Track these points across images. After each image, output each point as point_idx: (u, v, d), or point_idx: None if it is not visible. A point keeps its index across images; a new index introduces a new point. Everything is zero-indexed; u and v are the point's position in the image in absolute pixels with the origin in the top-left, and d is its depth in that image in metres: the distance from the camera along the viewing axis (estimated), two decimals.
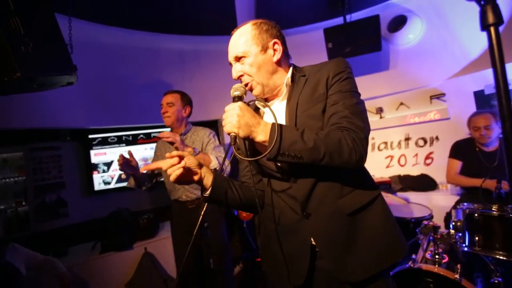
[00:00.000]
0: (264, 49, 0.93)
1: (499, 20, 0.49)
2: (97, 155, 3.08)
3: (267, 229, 1.05)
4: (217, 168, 1.78)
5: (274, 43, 0.94)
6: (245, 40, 0.93)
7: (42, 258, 1.99)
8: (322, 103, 0.89)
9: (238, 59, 0.95)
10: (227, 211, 2.46)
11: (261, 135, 0.80)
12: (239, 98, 0.88)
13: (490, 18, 0.50)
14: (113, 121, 3.11)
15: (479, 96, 2.88)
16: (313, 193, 0.91)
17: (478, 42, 2.69)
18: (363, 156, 0.81)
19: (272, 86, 0.96)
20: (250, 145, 0.98)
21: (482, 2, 0.52)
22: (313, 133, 0.80)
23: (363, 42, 2.82)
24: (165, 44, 3.15)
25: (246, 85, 0.94)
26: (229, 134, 0.82)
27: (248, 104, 0.89)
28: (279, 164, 0.94)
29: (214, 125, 3.74)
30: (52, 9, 1.33)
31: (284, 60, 0.98)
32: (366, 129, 0.84)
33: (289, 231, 0.97)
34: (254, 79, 0.94)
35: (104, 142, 3.14)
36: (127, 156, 1.80)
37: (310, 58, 3.26)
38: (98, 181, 3.06)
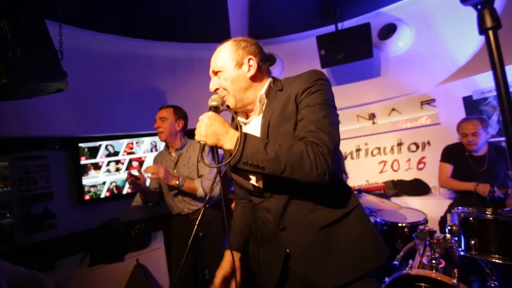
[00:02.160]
0: (239, 64, 0.97)
1: (497, 23, 0.49)
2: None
3: (254, 236, 1.13)
4: (202, 195, 1.85)
5: (249, 59, 0.98)
6: (223, 56, 0.98)
7: (26, 272, 1.88)
8: (293, 121, 0.91)
9: (215, 73, 1.00)
10: (228, 218, 2.40)
11: (228, 144, 0.84)
12: (214, 109, 0.92)
13: (488, 22, 0.50)
14: (104, 129, 3.05)
15: (468, 101, 2.95)
16: (287, 209, 0.95)
17: (466, 49, 2.77)
18: (325, 171, 0.80)
19: (245, 100, 1.00)
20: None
21: (479, 7, 0.53)
22: (276, 144, 0.82)
23: (355, 49, 2.87)
24: (158, 51, 3.13)
25: (220, 95, 0.98)
26: (199, 142, 0.86)
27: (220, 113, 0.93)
28: (253, 182, 1.00)
29: None
30: (41, 14, 1.30)
31: (260, 76, 1.01)
32: (331, 142, 0.83)
33: (269, 240, 1.05)
34: (229, 93, 0.98)
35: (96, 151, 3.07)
36: (135, 173, 1.83)
37: (304, 65, 3.32)
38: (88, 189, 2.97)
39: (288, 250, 0.99)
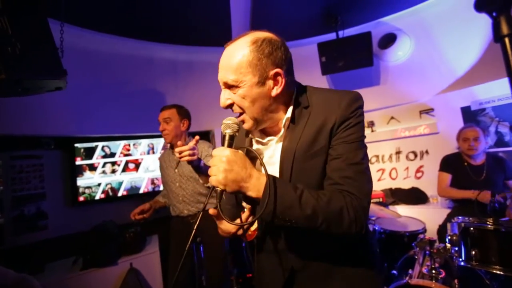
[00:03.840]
0: (262, 80, 0.76)
1: None
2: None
3: (259, 246, 1.04)
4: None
5: (276, 73, 0.77)
6: (239, 66, 0.75)
7: (15, 276, 1.82)
8: (323, 157, 0.78)
9: (228, 86, 0.79)
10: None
11: (252, 192, 0.72)
12: (230, 138, 0.78)
13: (504, 29, 0.50)
14: (101, 129, 3.01)
15: (466, 112, 2.98)
16: (288, 231, 0.88)
17: (464, 60, 2.81)
18: (363, 226, 0.73)
19: (266, 123, 0.84)
20: None
21: (494, 14, 0.52)
22: (312, 197, 0.71)
23: (356, 57, 2.89)
24: (159, 53, 3.12)
25: (238, 114, 0.82)
26: (215, 187, 0.73)
27: (239, 148, 0.80)
28: None
29: (207, 136, 3.69)
30: (44, 11, 1.28)
31: (286, 93, 0.81)
32: (369, 193, 0.76)
33: (275, 251, 0.94)
34: (246, 112, 0.80)
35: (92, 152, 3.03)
36: (141, 214, 1.84)
37: (304, 71, 3.32)
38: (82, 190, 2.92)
39: (293, 266, 0.90)
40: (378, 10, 2.85)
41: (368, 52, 2.87)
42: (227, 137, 0.78)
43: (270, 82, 0.77)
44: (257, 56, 0.75)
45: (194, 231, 1.13)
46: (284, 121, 0.83)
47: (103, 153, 3.12)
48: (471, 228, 1.61)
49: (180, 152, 1.36)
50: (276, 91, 0.78)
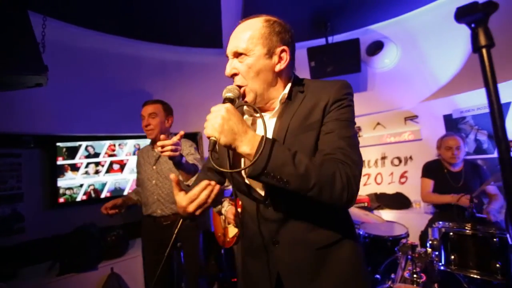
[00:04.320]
0: (270, 54, 0.82)
1: (491, 42, 0.50)
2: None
3: (242, 247, 1.03)
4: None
5: (282, 50, 0.83)
6: (251, 36, 0.81)
7: None
8: (315, 131, 0.81)
9: (237, 55, 0.83)
10: (204, 227, 2.32)
11: (246, 146, 0.71)
12: (230, 101, 0.79)
13: (482, 40, 0.51)
14: (85, 129, 2.92)
15: (448, 120, 3.08)
16: (286, 222, 0.85)
17: (447, 70, 2.91)
18: (354, 196, 0.73)
19: (266, 97, 0.86)
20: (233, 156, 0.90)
21: (472, 25, 0.53)
22: (306, 157, 0.71)
23: (344, 63, 2.93)
24: (147, 52, 3.06)
25: (239, 87, 0.84)
26: (208, 138, 0.72)
27: (237, 108, 0.80)
28: (254, 186, 0.87)
29: (194, 138, 3.64)
30: (25, 3, 1.23)
31: (287, 72, 0.88)
32: (360, 164, 0.78)
33: (258, 255, 0.93)
34: (248, 85, 0.83)
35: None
36: (113, 208, 1.76)
37: None
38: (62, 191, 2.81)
39: (277, 269, 0.88)
40: (367, 18, 2.92)
41: (356, 58, 2.92)
42: (227, 101, 0.78)
43: (275, 58, 0.83)
44: (268, 31, 0.82)
45: (175, 234, 1.09)
46: (280, 97, 0.86)
47: (86, 153, 3.02)
48: (451, 233, 1.65)
49: (163, 147, 1.30)
50: (280, 66, 0.84)
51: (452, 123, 3.03)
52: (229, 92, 0.80)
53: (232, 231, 1.89)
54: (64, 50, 2.53)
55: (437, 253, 1.71)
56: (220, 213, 1.88)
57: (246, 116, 0.93)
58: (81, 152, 2.99)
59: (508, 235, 1.56)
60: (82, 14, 2.35)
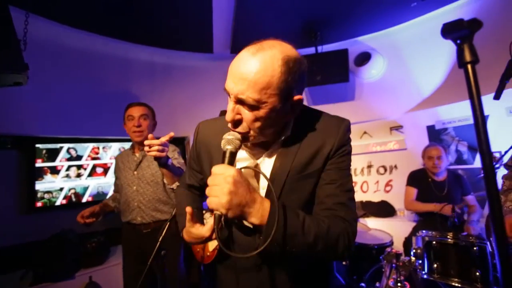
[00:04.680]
0: (284, 105, 0.70)
1: (475, 58, 0.52)
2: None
3: (224, 259, 0.98)
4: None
5: (298, 100, 0.72)
6: (267, 86, 0.65)
7: None
8: (315, 179, 0.78)
9: (241, 102, 0.69)
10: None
11: (255, 218, 0.65)
12: (231, 156, 0.70)
13: (467, 57, 0.52)
14: (67, 130, 2.81)
15: (431, 130, 3.18)
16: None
17: (430, 82, 3.02)
18: (351, 250, 0.74)
19: (266, 138, 0.78)
20: None
21: (458, 42, 0.55)
22: (313, 224, 0.69)
23: (333, 72, 2.99)
24: (136, 54, 3.02)
25: (238, 131, 0.73)
26: (212, 212, 0.65)
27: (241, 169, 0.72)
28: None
29: (182, 143, 3.59)
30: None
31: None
32: (357, 219, 0.79)
33: (242, 273, 0.90)
34: (251, 133, 0.73)
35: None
36: (91, 217, 1.68)
37: None
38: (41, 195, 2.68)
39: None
40: (355, 29, 3.00)
41: (344, 68, 2.99)
42: (227, 154, 0.70)
43: (288, 106, 0.72)
44: (287, 79, 0.67)
45: (159, 242, 1.06)
46: (283, 138, 0.78)
47: (68, 156, 2.91)
48: (434, 242, 1.69)
49: (150, 146, 1.24)
50: (291, 115, 0.75)
51: (435, 134, 3.14)
52: (229, 144, 0.71)
53: (213, 244, 1.79)
54: (48, 49, 2.45)
55: (420, 261, 1.74)
56: None
57: (244, 153, 0.84)
58: (62, 154, 2.88)
59: (487, 244, 1.61)
60: (68, 12, 2.28)
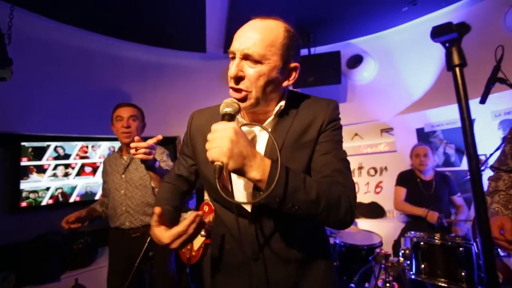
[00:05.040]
0: (283, 67, 0.76)
1: (463, 61, 0.52)
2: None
3: (214, 259, 0.95)
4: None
5: (295, 67, 0.79)
6: (272, 43, 0.72)
7: None
8: (309, 150, 0.80)
9: (246, 57, 0.73)
10: None
11: (256, 172, 0.65)
12: (230, 117, 0.71)
13: (456, 60, 0.53)
14: (55, 128, 2.74)
15: (420, 133, 3.24)
16: (269, 239, 0.83)
17: (420, 86, 3.08)
18: (354, 217, 0.75)
19: (265, 107, 0.81)
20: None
21: (447, 45, 0.56)
22: (315, 181, 0.70)
23: (325, 74, 3.02)
24: (127, 52, 2.97)
25: (239, 91, 0.75)
26: (212, 162, 0.63)
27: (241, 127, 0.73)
28: (240, 200, 0.82)
29: (173, 142, 3.55)
30: None
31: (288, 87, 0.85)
32: (355, 187, 0.79)
33: (234, 272, 0.89)
34: (253, 92, 0.75)
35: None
36: (76, 222, 1.62)
37: None
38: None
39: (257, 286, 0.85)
40: (348, 32, 3.03)
41: (336, 70, 3.02)
42: (226, 117, 0.71)
43: (286, 73, 0.78)
44: (288, 43, 0.75)
45: (146, 244, 1.04)
46: (277, 109, 0.81)
47: (55, 154, 2.84)
48: (422, 243, 1.71)
49: (136, 149, 1.21)
50: (287, 83, 0.80)
51: (424, 136, 3.19)
52: (228, 107, 0.72)
53: (198, 242, 1.78)
54: (36, 44, 2.39)
55: (408, 262, 1.76)
56: None
57: (243, 128, 0.85)
58: (49, 153, 2.80)
59: (473, 245, 1.65)
60: (57, 6, 2.23)
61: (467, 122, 0.51)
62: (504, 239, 1.09)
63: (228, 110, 0.71)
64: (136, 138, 1.24)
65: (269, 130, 0.80)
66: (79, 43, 2.64)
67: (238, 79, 0.75)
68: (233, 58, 0.76)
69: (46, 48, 2.46)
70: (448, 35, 0.53)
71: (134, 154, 1.23)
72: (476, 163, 0.50)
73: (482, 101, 1.51)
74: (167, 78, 3.28)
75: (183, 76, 3.35)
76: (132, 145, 1.23)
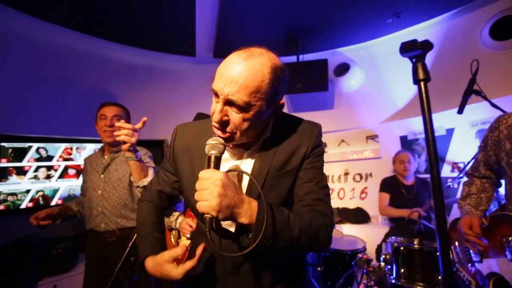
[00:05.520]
0: (268, 109, 0.76)
1: (427, 76, 0.56)
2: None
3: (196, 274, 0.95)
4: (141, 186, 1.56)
5: (281, 104, 0.79)
6: (257, 90, 0.70)
7: None
8: (293, 176, 0.84)
9: (230, 103, 0.71)
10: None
11: (245, 218, 0.68)
12: (216, 160, 0.72)
13: (421, 74, 0.57)
14: (37, 129, 2.67)
15: (404, 140, 3.34)
16: (251, 255, 0.83)
17: (404, 95, 3.18)
18: (330, 243, 0.80)
19: (247, 140, 0.82)
20: None
21: (413, 60, 0.59)
22: (297, 219, 0.73)
23: (313, 81, 3.07)
24: (115, 53, 2.94)
25: (224, 132, 0.75)
26: (202, 213, 0.66)
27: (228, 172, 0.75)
28: (225, 226, 0.84)
29: (160, 145, 3.51)
30: None
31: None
32: (333, 212, 0.84)
33: (212, 279, 0.90)
34: (237, 134, 0.75)
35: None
36: (45, 219, 1.56)
37: None
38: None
39: None
40: (335, 41, 3.11)
41: (324, 78, 3.08)
42: (212, 159, 0.72)
43: (271, 112, 0.78)
44: (274, 85, 0.73)
45: (128, 248, 1.03)
46: (263, 139, 0.84)
47: (37, 156, 2.75)
48: (401, 248, 1.76)
49: (119, 135, 1.21)
50: (272, 119, 0.81)
51: (407, 144, 3.29)
52: (213, 149, 0.73)
53: (184, 245, 1.77)
54: (20, 43, 2.34)
55: (389, 266, 1.80)
56: (171, 228, 1.77)
57: (225, 154, 0.85)
58: (31, 154, 2.72)
59: (450, 250, 1.70)
60: (43, 6, 2.20)
61: (430, 133, 0.54)
62: (473, 233, 1.17)
63: (214, 152, 0.72)
64: (122, 121, 1.23)
65: (256, 155, 0.83)
66: (64, 43, 2.60)
67: (223, 123, 0.74)
68: (216, 95, 0.74)
69: (29, 47, 2.41)
70: (414, 52, 0.57)
71: (117, 135, 1.22)
72: (437, 171, 0.53)
73: (460, 111, 1.59)
74: (155, 81, 3.26)
75: (172, 80, 3.34)
76: (117, 124, 1.22)
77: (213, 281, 0.89)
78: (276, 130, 0.85)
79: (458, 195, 2.72)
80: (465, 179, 1.50)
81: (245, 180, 0.83)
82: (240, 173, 0.80)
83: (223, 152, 0.74)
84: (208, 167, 0.72)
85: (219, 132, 0.76)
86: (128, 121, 1.81)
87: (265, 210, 0.67)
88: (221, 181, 0.66)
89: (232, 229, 0.84)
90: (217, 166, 0.73)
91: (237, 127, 0.74)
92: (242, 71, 0.68)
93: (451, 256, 1.41)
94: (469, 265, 1.31)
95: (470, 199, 1.33)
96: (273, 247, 0.70)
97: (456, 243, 1.42)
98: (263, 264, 0.86)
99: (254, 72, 0.69)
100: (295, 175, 0.84)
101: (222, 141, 0.75)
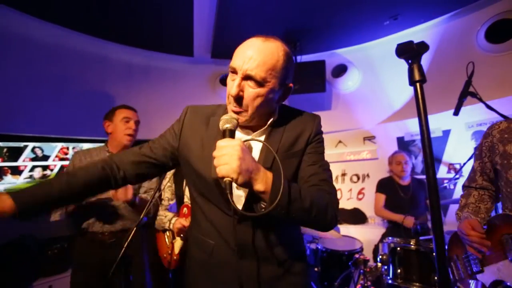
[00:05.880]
0: (280, 89, 0.83)
1: (423, 78, 0.56)
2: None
3: (196, 259, 0.96)
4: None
5: (290, 87, 0.86)
6: (274, 66, 0.77)
7: None
8: (298, 159, 0.88)
9: (247, 77, 0.77)
10: (151, 246, 2.00)
11: (261, 184, 0.71)
12: (231, 133, 0.76)
13: (416, 76, 0.57)
14: (34, 128, 2.65)
15: (400, 141, 3.35)
16: (257, 237, 0.87)
17: (401, 96, 3.20)
18: (336, 222, 0.84)
19: (257, 122, 0.87)
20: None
21: (409, 61, 0.60)
22: (307, 193, 0.77)
23: (311, 82, 3.08)
24: (113, 53, 2.93)
25: (238, 105, 0.80)
26: (222, 178, 0.69)
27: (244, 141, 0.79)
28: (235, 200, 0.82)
29: None
30: None
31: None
32: (337, 194, 0.89)
33: (217, 269, 0.91)
34: (249, 111, 0.81)
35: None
36: None
37: None
38: None
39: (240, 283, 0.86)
40: (333, 42, 3.12)
41: (321, 79, 3.09)
42: (227, 133, 0.76)
43: (281, 92, 0.85)
44: (286, 67, 0.80)
45: (124, 248, 1.02)
46: (270, 121, 0.88)
47: (33, 155, 2.74)
48: (398, 248, 1.77)
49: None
50: (282, 100, 0.88)
51: (404, 145, 3.31)
52: (228, 123, 0.77)
53: (178, 246, 1.75)
54: (17, 42, 2.32)
55: (386, 267, 1.81)
56: (164, 229, 1.76)
57: (237, 134, 0.87)
58: (26, 153, 2.70)
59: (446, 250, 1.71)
60: (41, 4, 2.19)
61: (425, 134, 0.55)
62: (476, 234, 1.15)
63: (229, 126, 0.76)
64: (120, 190, 1.40)
65: (263, 137, 0.89)
66: (61, 42, 2.59)
67: (238, 99, 0.79)
68: (233, 73, 0.80)
69: (26, 46, 2.40)
70: (410, 53, 0.57)
71: (114, 198, 1.37)
72: (433, 172, 0.53)
73: (456, 113, 1.60)
74: (153, 81, 3.25)
75: (170, 80, 3.33)
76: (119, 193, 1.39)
77: (219, 268, 0.90)
78: (282, 116, 0.92)
79: (454, 196, 2.75)
80: (463, 180, 1.50)
81: (256, 156, 0.87)
82: (252, 150, 0.85)
83: (236, 127, 0.79)
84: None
85: (232, 106, 0.81)
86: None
87: (282, 177, 0.71)
88: (240, 146, 0.70)
89: (240, 207, 0.84)
90: (232, 138, 0.77)
91: (249, 102, 0.79)
92: (261, 50, 0.76)
93: (452, 274, 1.35)
94: (470, 282, 1.25)
95: (468, 208, 1.30)
96: (286, 216, 0.73)
97: (456, 257, 1.33)
98: (269, 255, 0.89)
99: (271, 52, 0.77)
100: (300, 157, 0.89)
101: (235, 115, 0.80)
